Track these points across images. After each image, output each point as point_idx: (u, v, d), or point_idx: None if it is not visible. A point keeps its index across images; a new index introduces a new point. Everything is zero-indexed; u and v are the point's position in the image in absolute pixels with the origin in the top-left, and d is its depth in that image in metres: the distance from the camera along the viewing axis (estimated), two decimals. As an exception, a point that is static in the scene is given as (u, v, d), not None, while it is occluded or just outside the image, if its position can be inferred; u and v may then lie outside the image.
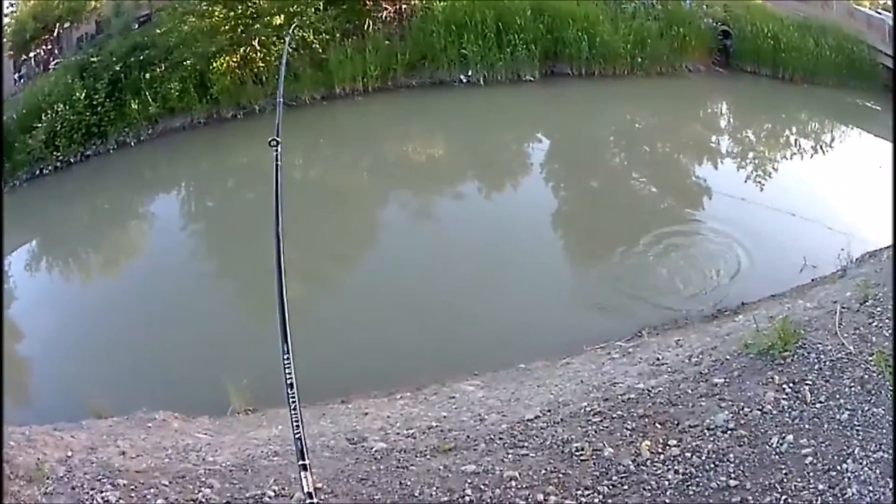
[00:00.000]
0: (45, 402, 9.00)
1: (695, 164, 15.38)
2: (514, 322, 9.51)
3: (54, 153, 18.83)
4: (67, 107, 18.89)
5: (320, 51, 19.37)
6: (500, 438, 5.43)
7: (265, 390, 7.61)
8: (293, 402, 3.32)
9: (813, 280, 9.13)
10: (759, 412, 4.97)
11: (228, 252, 13.43)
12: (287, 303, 3.52)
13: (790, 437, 4.67)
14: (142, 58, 20.02)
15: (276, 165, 3.96)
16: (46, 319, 11.79)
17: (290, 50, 19.08)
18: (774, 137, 17.06)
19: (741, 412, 5.01)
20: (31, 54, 22.76)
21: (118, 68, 19.79)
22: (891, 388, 4.80)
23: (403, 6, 20.65)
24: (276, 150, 4.01)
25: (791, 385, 5.14)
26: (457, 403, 6.73)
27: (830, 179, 13.74)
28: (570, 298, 10.18)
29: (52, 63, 22.33)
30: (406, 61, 19.79)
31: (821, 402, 4.92)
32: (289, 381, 3.34)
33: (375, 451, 5.54)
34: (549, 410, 5.78)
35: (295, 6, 19.44)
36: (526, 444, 5.29)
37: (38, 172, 18.92)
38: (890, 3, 19.65)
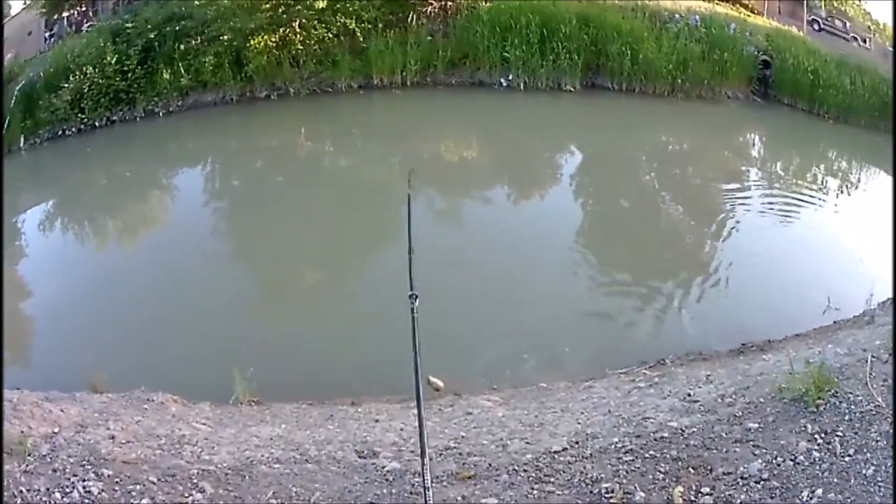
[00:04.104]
0: (42, 365, 8.82)
1: (725, 193, 14.82)
2: (532, 334, 9.14)
3: (79, 115, 18.83)
4: (97, 70, 18.87)
5: (361, 39, 19.20)
6: (525, 471, 5.07)
7: (272, 383, 7.41)
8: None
9: (835, 322, 8.70)
10: (791, 462, 4.68)
11: (249, 234, 13.13)
12: (421, 388, 3.62)
13: (819, 491, 4.40)
14: (177, 28, 19.89)
15: (413, 318, 3.95)
16: (55, 281, 11.61)
17: (331, 36, 19.01)
18: (803, 173, 16.68)
19: (774, 462, 4.72)
20: (65, 14, 22.66)
21: (152, 36, 19.67)
22: None
23: (448, 3, 20.42)
24: (414, 304, 4.03)
25: (823, 436, 4.86)
26: (475, 421, 6.37)
27: (856, 220, 13.27)
28: (590, 318, 9.72)
29: (86, 25, 22.26)
30: (447, 59, 19.63)
31: (849, 455, 4.65)
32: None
33: (387, 470, 5.20)
34: (577, 443, 5.41)
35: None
36: (552, 479, 4.92)
37: (60, 133, 18.94)
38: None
